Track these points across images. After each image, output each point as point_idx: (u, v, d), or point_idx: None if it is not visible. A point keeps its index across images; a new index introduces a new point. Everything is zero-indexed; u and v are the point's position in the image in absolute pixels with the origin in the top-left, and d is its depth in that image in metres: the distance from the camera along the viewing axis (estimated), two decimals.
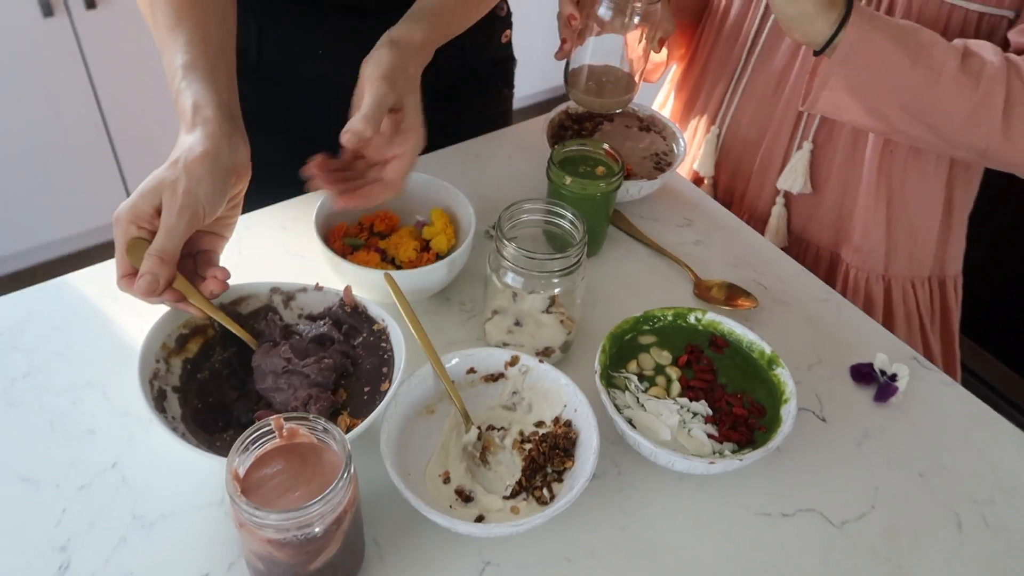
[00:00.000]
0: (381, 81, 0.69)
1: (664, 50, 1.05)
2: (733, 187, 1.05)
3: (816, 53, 0.81)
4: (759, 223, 1.02)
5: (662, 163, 0.95)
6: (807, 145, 0.93)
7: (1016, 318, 1.83)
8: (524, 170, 0.99)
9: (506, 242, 0.68)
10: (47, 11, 1.80)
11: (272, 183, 0.93)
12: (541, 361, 0.68)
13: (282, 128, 1.05)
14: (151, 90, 2.01)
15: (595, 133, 0.98)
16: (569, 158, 0.84)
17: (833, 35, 0.78)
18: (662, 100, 1.16)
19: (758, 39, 0.96)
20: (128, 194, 2.21)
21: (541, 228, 0.75)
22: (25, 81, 1.87)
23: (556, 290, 0.70)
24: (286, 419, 0.53)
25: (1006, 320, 1.85)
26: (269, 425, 0.53)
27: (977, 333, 1.87)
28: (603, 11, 0.85)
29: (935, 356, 1.01)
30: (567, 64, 0.91)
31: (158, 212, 0.61)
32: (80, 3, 1.84)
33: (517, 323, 0.74)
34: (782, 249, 0.99)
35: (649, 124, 1.00)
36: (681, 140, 0.96)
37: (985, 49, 0.78)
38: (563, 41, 0.88)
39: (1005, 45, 0.83)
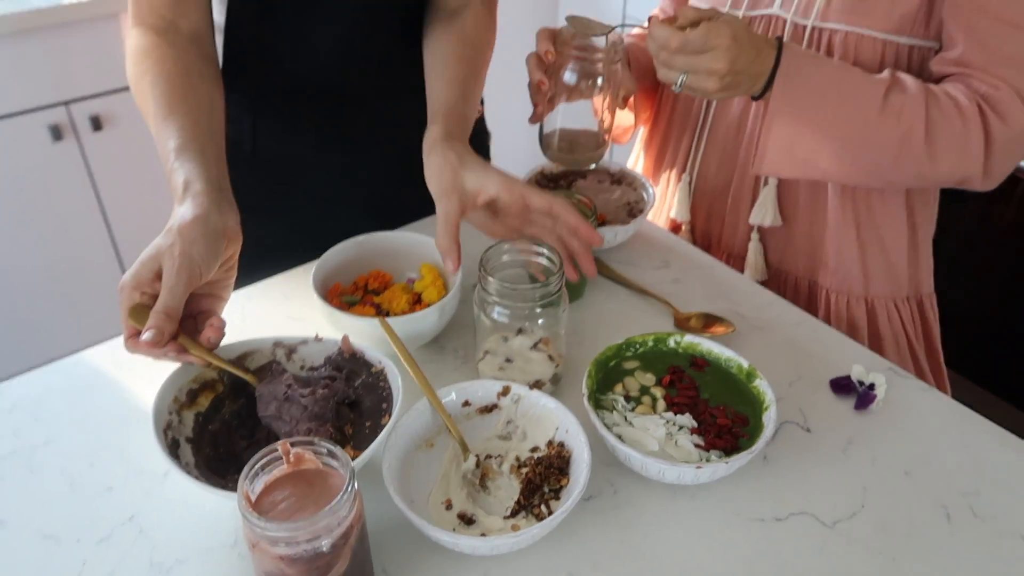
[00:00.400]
0: (437, 202, 0.78)
1: (631, 113, 1.13)
2: (709, 230, 1.11)
3: (756, 98, 0.89)
4: (738, 260, 1.08)
5: (634, 210, 1.01)
6: (772, 180, 1.00)
7: (1003, 348, 1.86)
8: None
9: (490, 278, 0.73)
10: (56, 136, 1.92)
11: (274, 265, 1.00)
12: (531, 388, 0.72)
13: (279, 212, 1.12)
14: (157, 206, 2.11)
15: (570, 189, 1.05)
16: None
17: (764, 91, 0.87)
18: (633, 160, 1.23)
19: None
20: None
21: (523, 269, 0.80)
22: (36, 203, 1.97)
23: (540, 320, 0.74)
24: (292, 444, 0.57)
25: (994, 351, 1.88)
26: (276, 451, 0.57)
27: (967, 367, 1.90)
28: (569, 76, 0.93)
29: (925, 374, 1.05)
30: (541, 128, 0.99)
31: (158, 277, 0.67)
32: (87, 126, 1.96)
33: (508, 360, 0.78)
34: (762, 283, 1.04)
35: (620, 177, 1.07)
36: (650, 188, 1.03)
37: (907, 81, 0.86)
38: (535, 106, 0.96)
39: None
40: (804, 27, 0.93)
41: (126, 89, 1.96)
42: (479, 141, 1.21)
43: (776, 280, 1.07)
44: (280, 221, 1.12)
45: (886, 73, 0.88)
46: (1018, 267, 1.78)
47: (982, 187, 0.90)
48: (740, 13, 0.99)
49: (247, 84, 1.02)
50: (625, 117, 1.13)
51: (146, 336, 0.64)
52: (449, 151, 0.80)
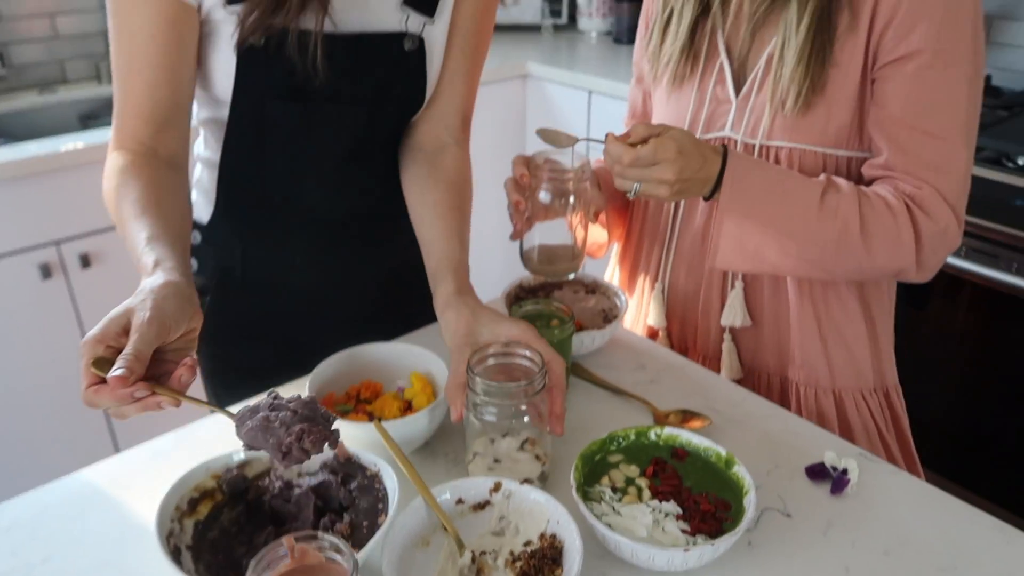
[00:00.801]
0: (452, 354, 0.84)
1: (603, 230, 1.21)
2: (685, 334, 1.17)
3: (706, 198, 0.98)
4: (714, 361, 1.13)
5: (609, 316, 1.07)
6: (738, 284, 1.07)
7: (970, 445, 1.91)
8: None
9: (477, 378, 0.77)
10: (46, 274, 1.97)
11: (265, 388, 1.03)
12: (522, 484, 0.75)
13: (268, 337, 1.16)
14: None
15: (548, 298, 1.11)
16: (526, 315, 0.96)
17: (713, 193, 0.96)
18: (609, 274, 1.31)
19: (678, 207, 1.13)
20: (116, 448, 2.26)
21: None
22: (25, 336, 1.99)
23: (526, 419, 0.78)
24: (297, 539, 0.59)
25: (962, 448, 1.92)
26: (282, 546, 0.59)
27: (937, 462, 1.93)
28: (543, 196, 1.01)
29: (897, 461, 1.08)
30: (521, 244, 1.06)
31: (124, 332, 0.67)
32: (76, 264, 2.02)
33: (496, 461, 0.81)
34: (737, 381, 1.09)
35: (594, 287, 1.13)
36: (622, 296, 1.10)
37: (841, 183, 0.96)
38: (515, 224, 1.04)
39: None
40: (753, 146, 1.03)
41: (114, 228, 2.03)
42: None
43: (750, 378, 1.12)
44: (268, 347, 1.16)
45: (822, 177, 0.97)
46: (975, 366, 1.86)
47: (918, 279, 0.98)
48: (697, 135, 1.09)
49: (239, 213, 1.09)
50: (598, 233, 1.21)
51: (116, 372, 0.63)
52: (463, 307, 0.87)
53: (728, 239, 0.97)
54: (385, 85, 1.00)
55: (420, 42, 1.00)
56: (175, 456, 0.89)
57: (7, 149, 1.90)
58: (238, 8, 0.90)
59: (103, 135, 2.01)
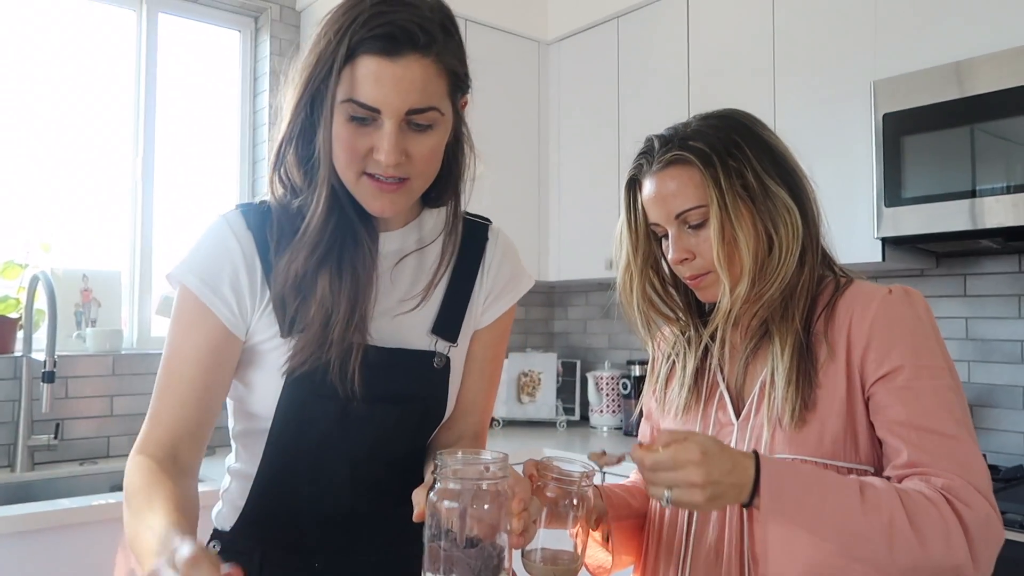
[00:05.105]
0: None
1: (607, 553, 1.21)
2: None
3: (745, 505, 0.97)
4: None
5: None
6: None
7: None
8: None
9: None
10: None
11: None
12: None
13: None
14: None
15: None
16: None
17: (751, 499, 0.96)
18: None
19: (691, 524, 1.15)
20: None
21: None
22: None
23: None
24: None
25: None
26: None
27: None
28: (548, 494, 1.06)
29: None
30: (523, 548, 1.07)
31: None
32: None
33: None
34: None
35: None
36: None
37: (873, 479, 0.98)
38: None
39: None
40: None
41: None
42: None
43: None
44: None
45: (852, 478, 0.99)
46: None
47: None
48: None
49: (264, 520, 1.14)
50: (601, 554, 1.21)
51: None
52: None
53: (776, 546, 0.95)
54: (415, 391, 1.14)
55: (447, 361, 1.16)
56: None
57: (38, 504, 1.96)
58: (289, 341, 1.06)
59: None
